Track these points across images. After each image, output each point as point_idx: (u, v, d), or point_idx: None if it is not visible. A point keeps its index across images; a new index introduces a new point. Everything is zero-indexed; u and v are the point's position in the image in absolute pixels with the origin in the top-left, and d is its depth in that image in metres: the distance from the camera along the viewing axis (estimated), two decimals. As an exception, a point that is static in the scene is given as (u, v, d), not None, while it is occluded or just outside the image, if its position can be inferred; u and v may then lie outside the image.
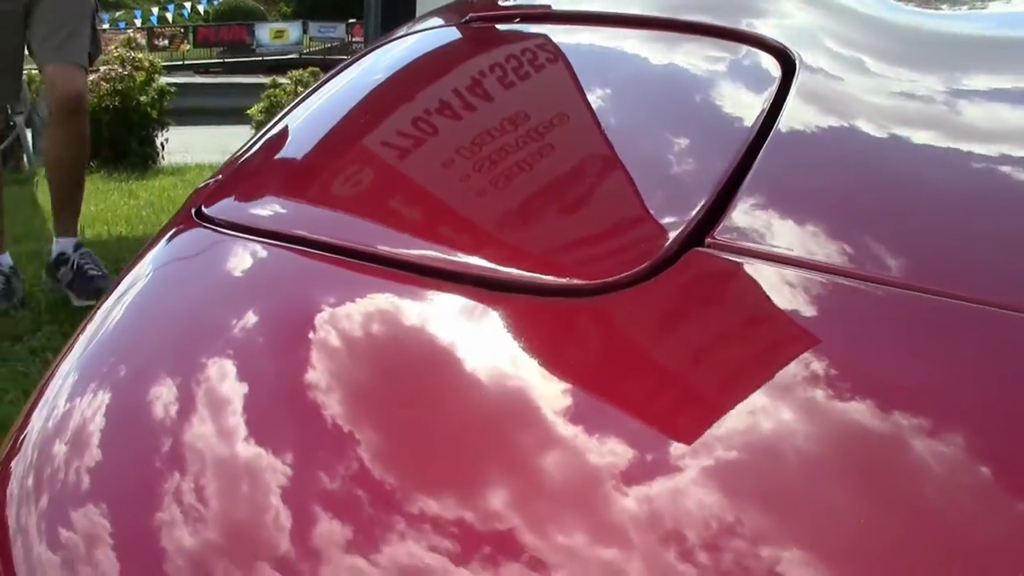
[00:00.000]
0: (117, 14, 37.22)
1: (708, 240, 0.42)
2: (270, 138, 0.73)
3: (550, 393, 0.38)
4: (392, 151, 0.59)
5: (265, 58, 28.03)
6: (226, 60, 29.43)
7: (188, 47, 30.95)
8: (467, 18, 0.81)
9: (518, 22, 0.77)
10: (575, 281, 0.42)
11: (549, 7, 0.82)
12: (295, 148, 0.70)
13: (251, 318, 0.51)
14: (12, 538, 0.45)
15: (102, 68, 6.17)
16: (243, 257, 0.57)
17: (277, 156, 0.69)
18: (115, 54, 6.37)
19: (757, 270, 0.41)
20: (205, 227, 0.61)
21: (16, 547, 0.44)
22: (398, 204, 0.55)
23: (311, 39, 31.35)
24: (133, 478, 0.45)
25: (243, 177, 0.69)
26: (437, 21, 0.84)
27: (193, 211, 0.63)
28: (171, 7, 36.71)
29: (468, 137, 0.58)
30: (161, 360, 0.52)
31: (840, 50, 0.64)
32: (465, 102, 0.63)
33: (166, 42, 30.32)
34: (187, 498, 0.41)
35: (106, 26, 33.73)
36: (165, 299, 0.60)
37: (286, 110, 0.76)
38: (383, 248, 0.50)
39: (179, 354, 0.52)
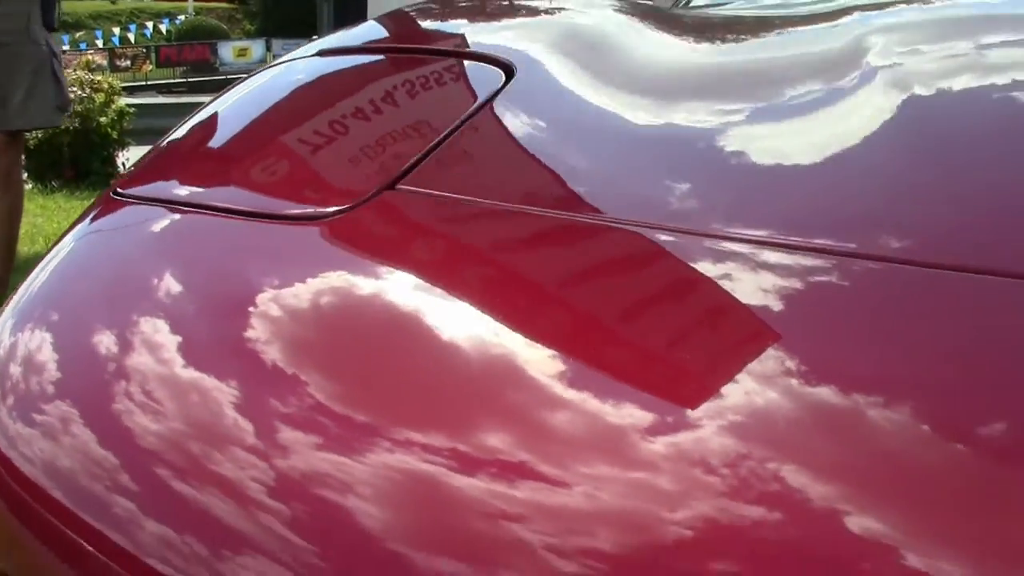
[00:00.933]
0: (77, 35, 37.27)
1: (398, 186, 0.73)
2: (170, 140, 1.04)
3: (312, 287, 0.69)
4: (235, 144, 0.91)
5: (228, 76, 28.27)
6: (189, 79, 29.74)
7: (151, 67, 31.22)
8: (318, 50, 1.12)
9: (347, 54, 1.09)
10: (315, 210, 0.73)
11: (378, 42, 1.13)
12: (187, 146, 1.01)
13: (158, 263, 0.81)
14: None
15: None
16: (144, 217, 0.87)
17: (173, 151, 1.00)
18: (74, 76, 6.66)
19: (430, 206, 0.73)
20: (118, 199, 0.91)
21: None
22: (242, 174, 0.86)
23: (274, 56, 31.66)
24: (75, 385, 0.74)
25: (148, 167, 0.99)
26: (304, 52, 1.15)
27: (111, 192, 0.93)
28: (132, 27, 36.85)
29: (283, 131, 0.89)
30: (88, 299, 0.81)
31: (556, 63, 0.95)
32: (295, 109, 0.95)
33: (128, 63, 30.57)
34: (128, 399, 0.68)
35: (66, 47, 33.81)
36: (89, 254, 0.90)
37: (184, 121, 1.07)
38: (238, 203, 0.81)
39: (104, 293, 0.81)
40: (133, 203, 0.89)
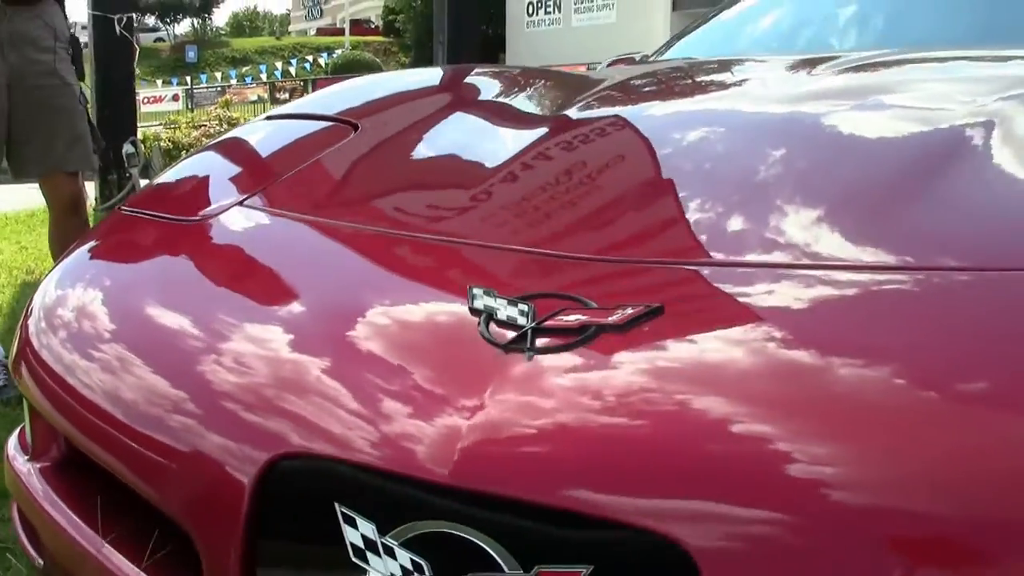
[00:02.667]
0: (244, 69, 39.63)
1: (244, 203, 1.31)
2: (159, 180, 1.64)
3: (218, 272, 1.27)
4: (185, 177, 1.51)
5: (380, 107, 29.60)
6: (343, 111, 31.27)
7: (308, 99, 33.00)
8: (266, 116, 1.71)
9: (281, 119, 1.68)
10: (200, 215, 1.31)
11: (300, 111, 1.72)
12: (164, 181, 1.61)
13: (134, 247, 1.40)
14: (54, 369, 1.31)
15: (203, 126, 7.38)
16: (134, 222, 1.47)
17: (157, 186, 1.60)
18: (214, 114, 7.57)
19: (253, 215, 1.30)
20: (123, 213, 1.52)
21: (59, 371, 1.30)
22: (178, 196, 1.45)
23: (425, 87, 32.81)
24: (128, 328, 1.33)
25: (142, 195, 1.60)
26: (259, 118, 1.74)
27: (119, 208, 1.54)
28: (294, 61, 38.91)
29: (208, 169, 1.49)
30: (99, 269, 1.41)
31: (391, 122, 1.51)
32: (227, 155, 1.54)
33: (287, 95, 32.46)
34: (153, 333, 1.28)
35: (233, 81, 36.04)
36: (104, 243, 1.49)
37: (172, 165, 1.67)
38: (169, 212, 1.40)
39: (108, 265, 1.41)
40: (129, 215, 1.50)
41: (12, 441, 1.37)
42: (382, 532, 0.80)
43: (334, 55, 38.52)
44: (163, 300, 1.14)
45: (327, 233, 1.18)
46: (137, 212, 1.44)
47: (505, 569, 0.75)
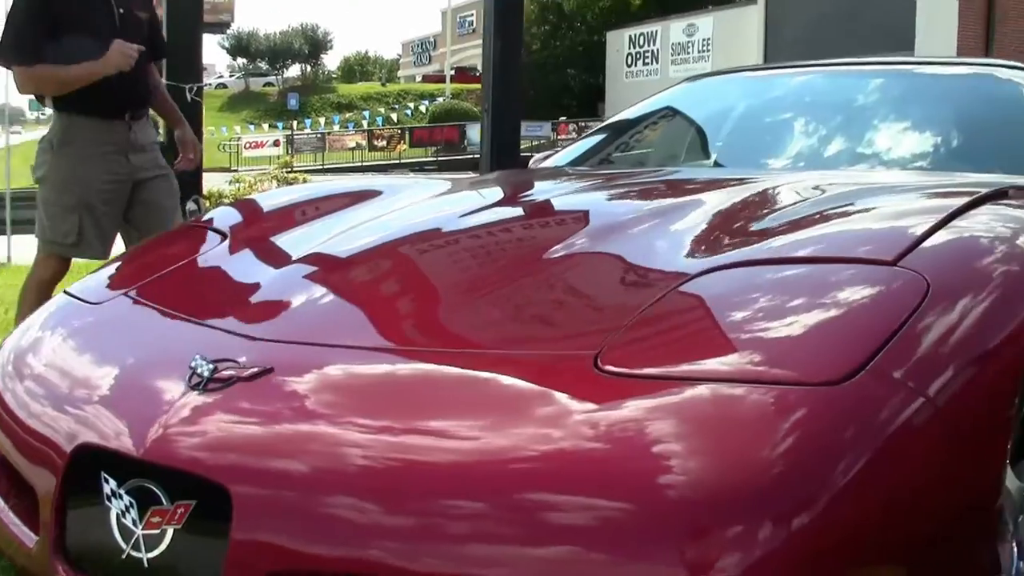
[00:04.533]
0: (347, 115, 41.41)
1: (127, 294, 2.09)
2: (108, 265, 2.44)
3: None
4: (124, 267, 2.31)
5: (475, 156, 30.83)
6: (439, 159, 32.78)
7: (405, 147, 34.47)
8: (190, 223, 2.51)
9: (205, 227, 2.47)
10: (120, 293, 2.10)
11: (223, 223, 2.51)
12: (111, 267, 2.41)
13: (73, 322, 2.20)
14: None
15: (265, 183, 8.34)
16: (72, 303, 2.26)
17: (105, 271, 2.40)
18: (273, 174, 8.54)
19: (131, 305, 2.08)
20: (67, 295, 2.31)
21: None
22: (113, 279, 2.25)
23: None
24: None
25: (89, 280, 2.40)
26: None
27: (63, 291, 2.34)
28: (396, 108, 40.51)
29: (144, 259, 2.28)
30: (45, 334, 2.22)
31: (250, 234, 2.29)
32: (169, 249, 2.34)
33: (384, 143, 33.96)
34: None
35: (336, 127, 37.75)
36: (48, 320, 2.29)
37: (125, 253, 2.48)
38: (97, 298, 2.19)
39: (51, 332, 2.21)
40: (72, 298, 2.29)
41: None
42: (118, 485, 1.54)
43: (436, 102, 40.01)
44: (51, 356, 1.94)
45: (152, 315, 1.96)
46: (69, 294, 2.25)
47: (164, 504, 1.49)
